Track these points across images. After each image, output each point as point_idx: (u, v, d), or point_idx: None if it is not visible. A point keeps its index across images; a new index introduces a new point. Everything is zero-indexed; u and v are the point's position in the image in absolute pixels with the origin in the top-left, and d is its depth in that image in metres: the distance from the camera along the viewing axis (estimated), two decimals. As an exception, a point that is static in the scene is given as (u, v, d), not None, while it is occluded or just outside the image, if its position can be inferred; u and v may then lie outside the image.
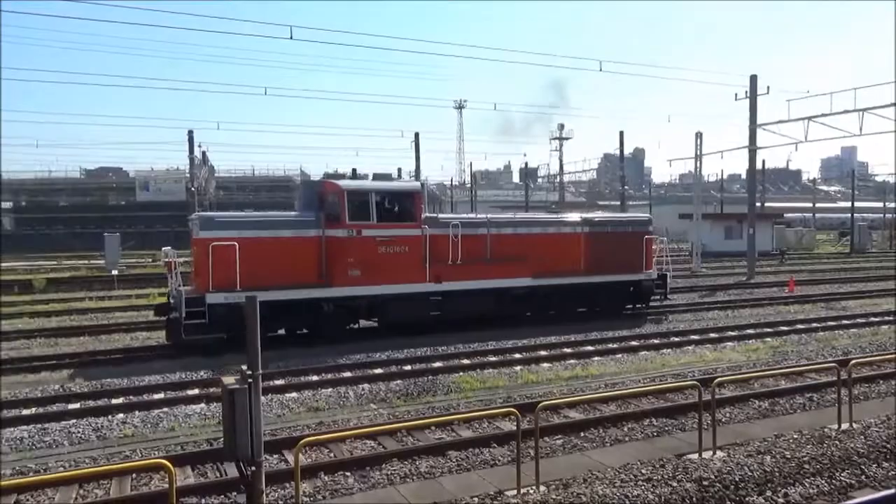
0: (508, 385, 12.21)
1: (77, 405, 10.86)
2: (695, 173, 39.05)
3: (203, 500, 7.28)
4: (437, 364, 13.53)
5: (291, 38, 28.88)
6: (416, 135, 51.80)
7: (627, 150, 54.14)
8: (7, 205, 70.86)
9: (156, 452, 8.75)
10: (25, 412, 10.51)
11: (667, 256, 20.89)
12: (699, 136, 36.30)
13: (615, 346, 15.19)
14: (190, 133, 44.82)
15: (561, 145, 73.46)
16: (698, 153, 36.39)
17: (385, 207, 16.11)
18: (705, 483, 7.16)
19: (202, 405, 10.86)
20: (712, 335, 16.50)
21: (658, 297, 20.20)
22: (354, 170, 18.50)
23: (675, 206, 74.97)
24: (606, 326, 17.89)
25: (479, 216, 18.40)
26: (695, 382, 9.04)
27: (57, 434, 9.56)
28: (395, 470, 8.02)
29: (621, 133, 49.24)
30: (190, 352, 14.27)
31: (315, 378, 12.46)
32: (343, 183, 15.88)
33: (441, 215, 17.45)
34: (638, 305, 20.02)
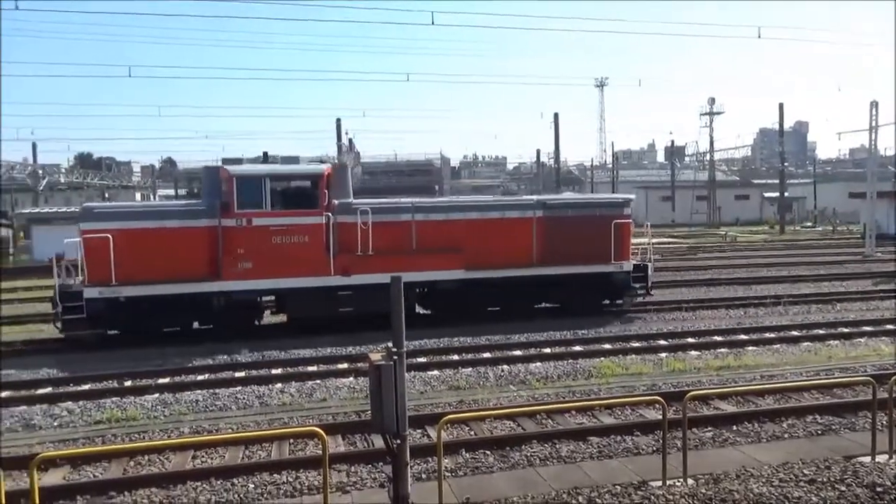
0: (653, 373, 11.74)
1: (242, 374, 11.89)
2: (869, 146, 35.07)
3: (352, 468, 7.69)
4: (577, 348, 13.30)
5: (433, 23, 29.28)
6: (556, 115, 51.07)
7: (788, 124, 49.74)
8: (183, 191, 78.65)
9: (310, 421, 9.37)
10: (199, 378, 11.68)
11: (649, 244, 17.96)
12: (874, 105, 32.52)
13: (772, 335, 14.09)
14: (338, 121, 47.31)
15: (711, 120, 68.92)
16: (874, 124, 32.62)
17: (283, 194, 14.78)
18: (879, 490, 6.46)
19: (351, 379, 11.47)
20: (889, 326, 14.81)
21: (636, 292, 16.85)
22: (265, 152, 16.59)
23: (844, 183, 68.03)
24: (765, 314, 16.69)
25: (403, 200, 16.13)
26: (868, 378, 8.18)
27: (226, 399, 10.53)
28: (534, 452, 8.01)
29: (780, 105, 45.42)
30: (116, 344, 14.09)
31: (456, 357, 12.72)
32: (233, 168, 14.52)
33: (355, 200, 15.31)
34: (617, 302, 17.01)
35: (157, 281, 13.81)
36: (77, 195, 55.29)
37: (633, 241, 17.57)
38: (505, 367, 12.06)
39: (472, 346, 13.52)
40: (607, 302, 17.12)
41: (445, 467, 7.34)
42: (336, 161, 50.49)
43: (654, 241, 42.06)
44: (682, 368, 11.94)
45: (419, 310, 16.44)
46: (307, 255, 14.53)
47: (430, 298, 16.14)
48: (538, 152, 77.38)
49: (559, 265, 16.05)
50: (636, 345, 13.47)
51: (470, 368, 11.96)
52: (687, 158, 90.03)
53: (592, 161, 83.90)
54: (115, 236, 13.53)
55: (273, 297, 15.94)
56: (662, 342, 13.70)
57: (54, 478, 7.60)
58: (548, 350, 13.18)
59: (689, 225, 59.89)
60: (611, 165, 78.95)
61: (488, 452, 8.04)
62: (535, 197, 17.29)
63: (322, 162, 16.40)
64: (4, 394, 10.96)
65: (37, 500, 5.54)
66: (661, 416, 6.93)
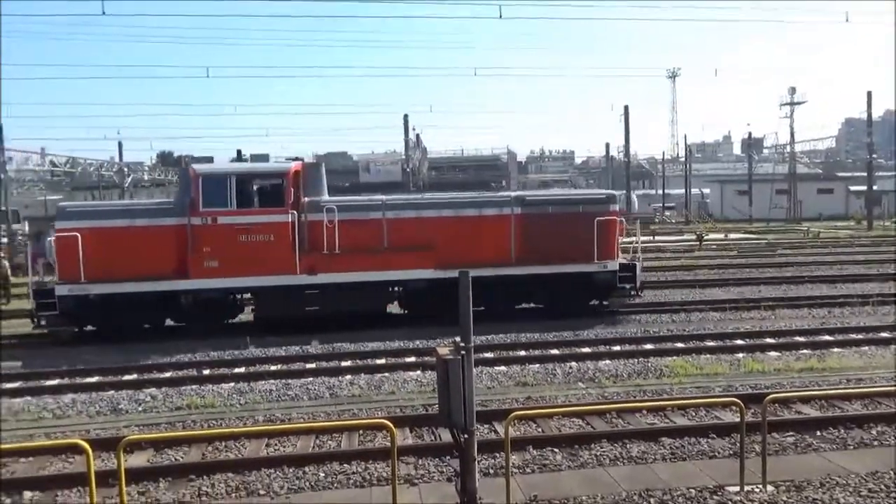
0: (729, 373, 11.31)
1: (313, 365, 12.18)
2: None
3: (420, 461, 7.75)
4: (648, 346, 12.97)
5: (500, 17, 29.19)
6: (626, 108, 49.87)
7: (877, 113, 46.93)
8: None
9: (378, 413, 9.50)
10: (273, 368, 12.04)
11: (637, 242, 17.13)
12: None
13: (860, 336, 13.32)
14: (405, 117, 47.67)
15: (792, 111, 65.73)
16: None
17: (248, 192, 14.66)
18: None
19: (418, 372, 11.57)
20: None
21: (627, 293, 15.96)
22: (239, 151, 16.97)
23: (942, 176, 63.64)
24: (851, 314, 15.82)
25: (373, 198, 15.89)
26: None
27: (298, 389, 10.81)
28: (604, 451, 7.86)
29: (868, 94, 42.86)
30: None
31: (523, 353, 12.63)
32: (199, 167, 14.94)
33: (324, 198, 15.11)
34: (603, 303, 16.16)
35: (126, 279, 14.05)
36: (159, 191, 57.95)
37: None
38: (573, 364, 11.88)
39: (540, 343, 13.39)
40: (596, 303, 16.36)
41: (513, 464, 7.29)
42: (406, 156, 50.99)
43: (732, 236, 40.84)
44: (760, 370, 11.45)
45: (391, 309, 16.06)
46: (273, 253, 14.41)
47: (404, 298, 15.76)
48: (607, 146, 75.74)
49: (538, 264, 15.27)
50: (711, 344, 13.00)
51: (537, 365, 11.84)
52: (766, 151, 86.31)
53: (664, 154, 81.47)
54: (84, 235, 13.86)
55: (251, 296, 15.87)
56: (739, 342, 13.18)
57: (139, 460, 7.99)
58: (617, 347, 12.91)
59: (768, 220, 57.35)
60: (683, 158, 76.56)
61: (556, 450, 7.93)
62: (512, 193, 16.33)
63: (298, 160, 16.38)
64: (94, 379, 11.62)
65: (123, 481, 5.84)
66: (738, 419, 6.66)
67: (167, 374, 11.79)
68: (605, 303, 16.24)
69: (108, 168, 54.67)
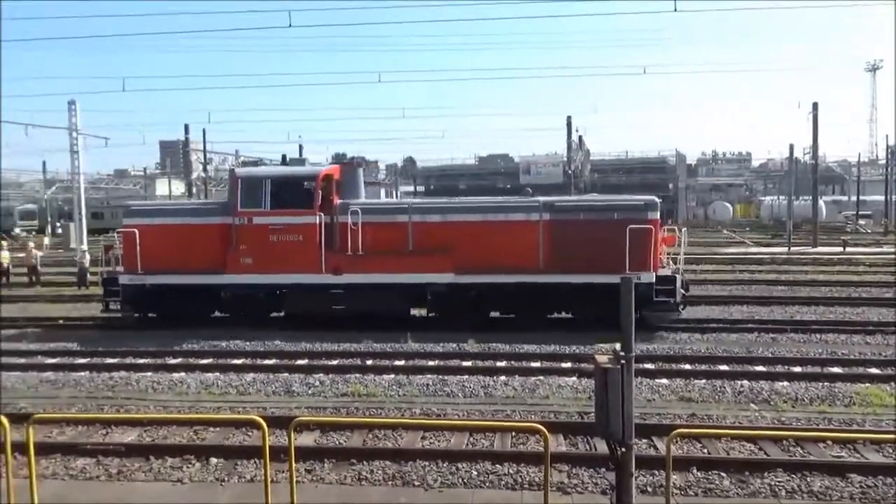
0: (938, 407, 9.81)
1: (469, 363, 12.35)
2: None
3: (573, 469, 7.55)
4: (835, 369, 11.62)
5: (675, 10, 27.77)
6: (815, 104, 45.14)
7: None
8: (421, 188, 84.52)
9: (532, 416, 9.40)
10: (430, 363, 12.37)
11: (682, 253, 15.45)
12: None
13: None
14: (568, 119, 47.00)
15: None
16: None
17: (282, 194, 15.25)
18: None
19: (574, 378, 11.30)
20: None
21: (666, 307, 14.52)
22: (284, 156, 17.45)
23: None
24: None
25: (402, 201, 15.92)
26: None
27: (453, 386, 11.02)
28: (780, 482, 7.15)
29: None
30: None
31: (688, 367, 11.89)
32: (239, 170, 15.91)
33: (353, 201, 15.52)
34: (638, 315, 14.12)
35: (175, 271, 15.30)
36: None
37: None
38: (745, 382, 10.96)
39: (706, 357, 12.53)
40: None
41: (674, 484, 6.86)
42: (568, 157, 50.31)
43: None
44: (979, 407, 9.82)
45: (415, 312, 16.05)
46: (301, 253, 15.07)
47: (428, 301, 15.57)
48: (791, 147, 69.20)
49: (567, 273, 14.59)
50: (914, 372, 11.38)
51: (704, 380, 11.08)
52: None
53: (859, 157, 72.90)
54: (141, 231, 15.44)
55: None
56: (952, 372, 11.41)
57: (307, 440, 8.57)
58: (798, 368, 11.71)
59: None
60: (884, 161, 67.99)
61: (723, 474, 7.35)
62: (541, 198, 15.73)
63: (347, 162, 17.85)
64: (271, 361, 12.69)
65: (293, 458, 6.28)
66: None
67: (335, 362, 12.56)
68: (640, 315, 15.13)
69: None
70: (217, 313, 16.37)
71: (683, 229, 16.97)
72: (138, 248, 15.42)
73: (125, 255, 15.86)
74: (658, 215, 15.09)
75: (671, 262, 15.79)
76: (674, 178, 71.02)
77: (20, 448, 7.27)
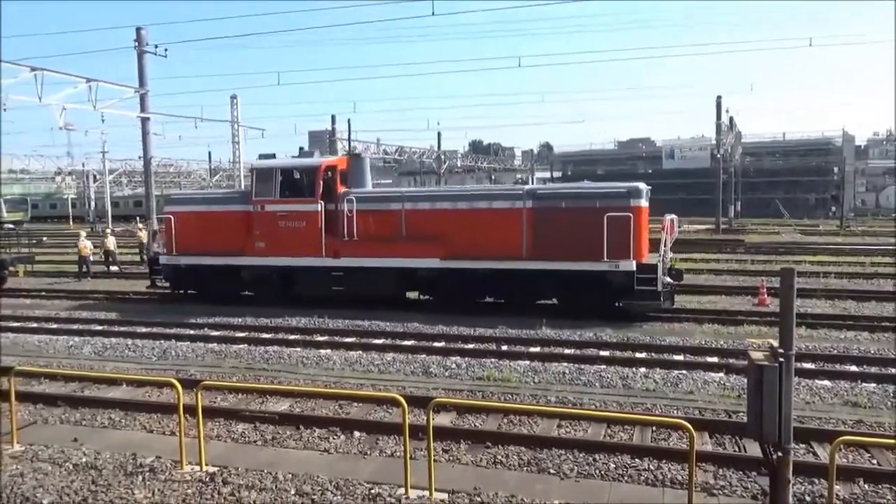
0: None
1: (607, 353, 12.02)
2: None
3: (719, 470, 7.13)
4: None
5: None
6: None
7: None
8: (557, 174, 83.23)
9: (674, 411, 8.99)
10: (567, 351, 12.19)
11: (666, 243, 14.70)
12: None
13: None
14: (718, 98, 44.00)
15: None
16: None
17: (290, 184, 16.78)
18: None
19: (721, 374, 10.65)
20: None
21: (650, 296, 14.16)
22: (301, 148, 17.26)
23: None
24: None
25: (396, 190, 18.34)
26: None
27: (590, 375, 10.78)
28: (967, 503, 6.31)
29: None
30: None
31: (853, 369, 10.81)
32: (255, 162, 17.96)
33: (354, 190, 16.70)
34: (618, 305, 14.92)
35: (203, 253, 17.29)
36: (469, 177, 62.92)
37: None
38: (924, 389, 9.77)
39: (876, 358, 11.31)
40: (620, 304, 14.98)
41: (837, 495, 6.27)
42: (718, 140, 47.28)
43: None
44: None
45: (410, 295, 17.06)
46: (305, 238, 16.44)
47: (418, 285, 16.60)
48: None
49: (548, 260, 14.82)
50: None
51: (874, 384, 10.01)
52: None
53: None
54: (176, 217, 17.61)
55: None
56: None
57: (444, 420, 8.77)
58: None
59: None
60: None
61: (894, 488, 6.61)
62: (525, 187, 16.74)
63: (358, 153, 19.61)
64: (410, 342, 13.10)
65: (431, 436, 6.45)
66: None
67: (471, 346, 12.73)
68: (618, 305, 15.06)
69: (429, 156, 61.01)
70: (246, 292, 18.01)
71: (673, 216, 15.80)
72: (174, 232, 17.61)
73: (165, 238, 18.16)
74: (645, 203, 14.77)
75: (670, 252, 15.40)
76: (840, 160, 64.47)
77: (190, 410, 8.08)
